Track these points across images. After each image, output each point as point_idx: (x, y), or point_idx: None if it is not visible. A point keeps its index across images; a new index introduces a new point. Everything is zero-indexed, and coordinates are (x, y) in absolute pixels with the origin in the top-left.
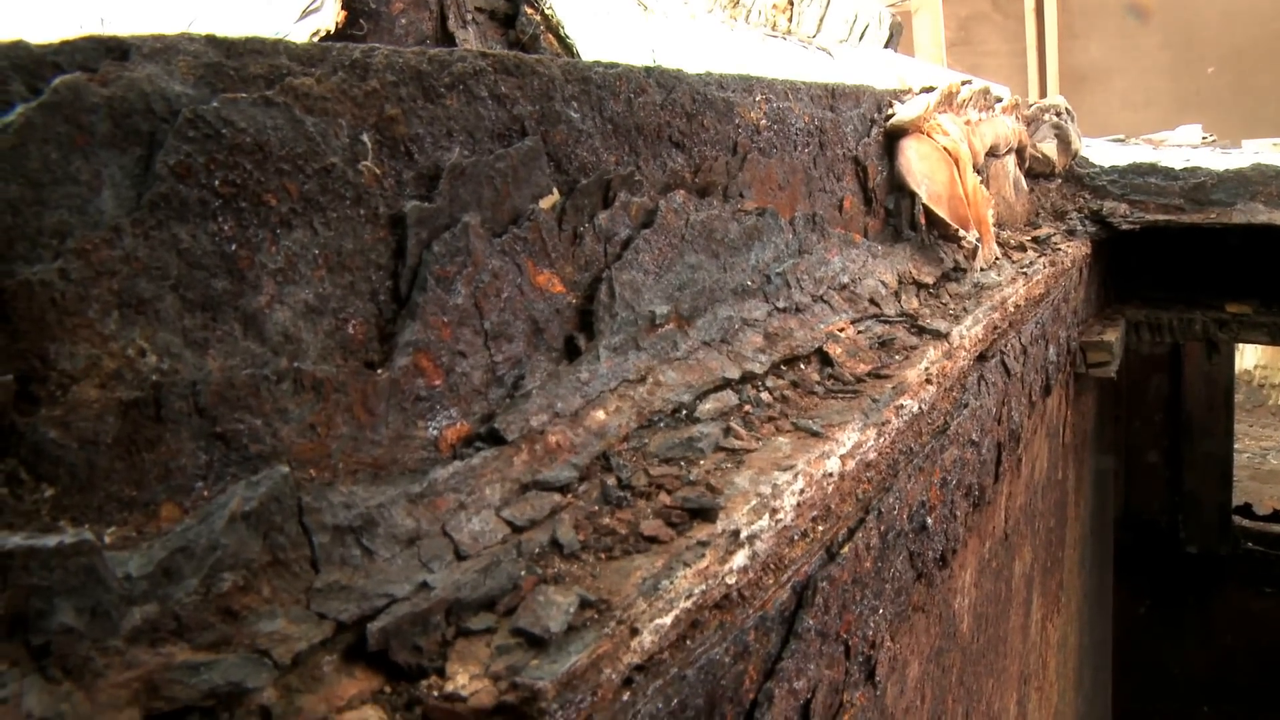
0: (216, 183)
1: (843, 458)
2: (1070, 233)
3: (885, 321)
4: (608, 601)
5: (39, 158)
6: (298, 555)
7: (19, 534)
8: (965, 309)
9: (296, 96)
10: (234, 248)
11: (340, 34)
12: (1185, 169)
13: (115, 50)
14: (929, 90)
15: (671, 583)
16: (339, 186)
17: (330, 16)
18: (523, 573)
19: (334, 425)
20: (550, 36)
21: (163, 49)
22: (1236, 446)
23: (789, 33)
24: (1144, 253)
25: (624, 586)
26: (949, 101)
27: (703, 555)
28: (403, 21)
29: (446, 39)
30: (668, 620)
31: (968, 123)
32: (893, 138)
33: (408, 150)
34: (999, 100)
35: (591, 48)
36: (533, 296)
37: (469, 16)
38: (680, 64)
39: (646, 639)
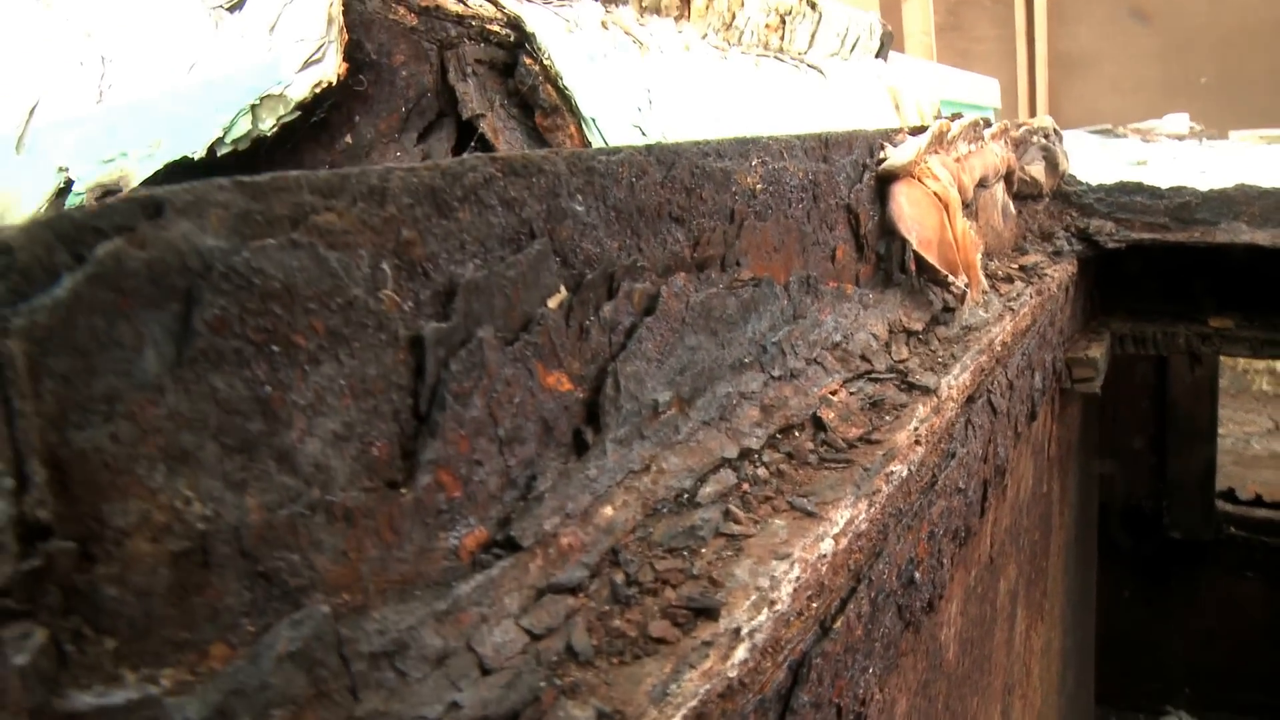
0: (249, 331)
1: (836, 537)
2: (1057, 253)
3: (875, 380)
4: (621, 713)
5: (87, 327)
6: (338, 685)
7: (88, 693)
8: (954, 355)
9: (320, 234)
10: (267, 390)
11: (342, 86)
12: (1171, 188)
13: (150, 208)
14: (919, 131)
15: (679, 686)
16: (362, 317)
17: (332, 68)
18: (542, 684)
19: (364, 550)
20: (549, 87)
21: (194, 202)
22: (1220, 432)
23: (781, 50)
24: (1129, 264)
25: (636, 695)
26: (940, 141)
27: (707, 656)
28: (403, 74)
29: (447, 91)
30: (649, 709)
31: (958, 159)
32: (884, 182)
33: (424, 270)
34: (988, 127)
35: (589, 94)
36: (543, 397)
37: (469, 69)
38: (675, 103)
39: None
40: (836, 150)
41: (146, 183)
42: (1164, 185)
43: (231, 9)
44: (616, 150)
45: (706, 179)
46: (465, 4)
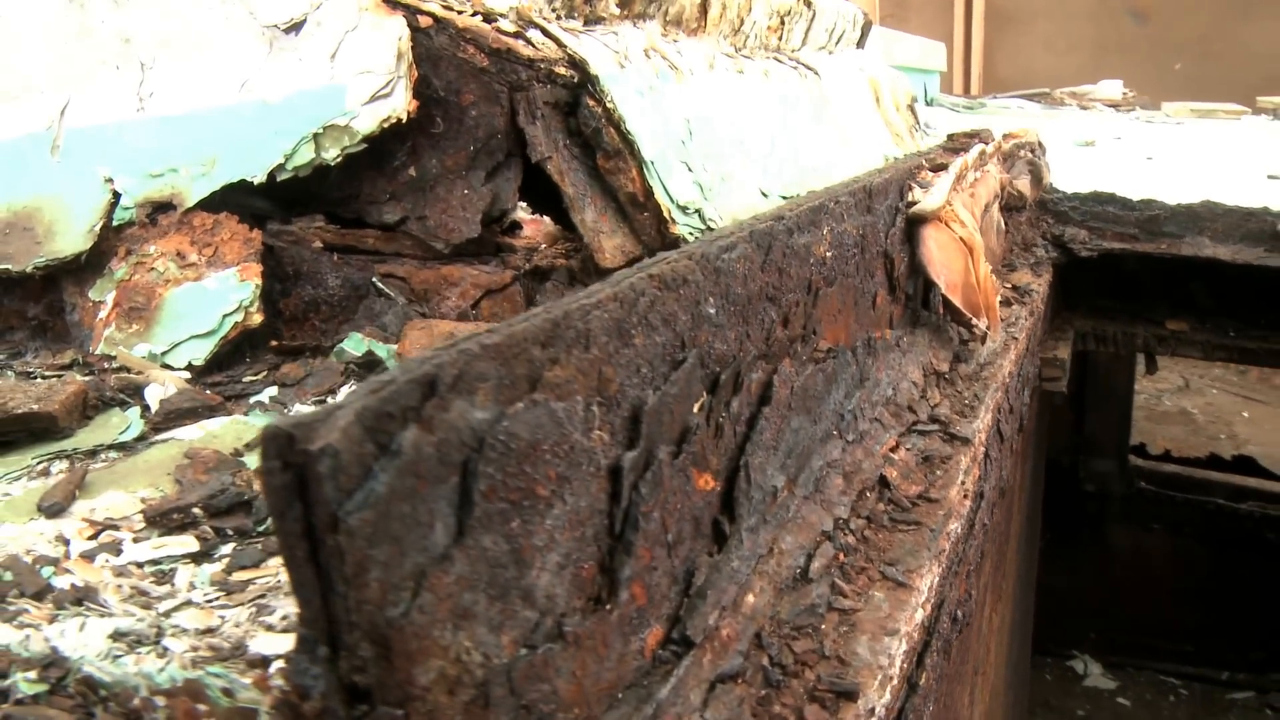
0: (509, 492)
1: (923, 604)
2: (1037, 264)
3: (922, 433)
4: None
5: (398, 515)
6: None
7: None
8: (977, 396)
9: (550, 389)
10: (519, 541)
11: (412, 124)
12: (1141, 201)
13: (426, 385)
14: (939, 168)
15: None
16: (579, 457)
17: (402, 104)
18: None
19: (586, 667)
20: (612, 130)
21: (461, 376)
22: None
23: (779, 50)
24: (1093, 265)
25: None
26: (960, 180)
27: None
28: (473, 114)
29: (516, 133)
30: None
31: (971, 193)
32: (913, 224)
33: (616, 401)
34: (985, 146)
35: (645, 134)
36: (695, 499)
37: (538, 111)
38: (708, 131)
39: None
40: (878, 199)
41: (203, 204)
42: (1135, 198)
43: (288, 30)
44: (730, 245)
45: (793, 257)
46: (534, 46)
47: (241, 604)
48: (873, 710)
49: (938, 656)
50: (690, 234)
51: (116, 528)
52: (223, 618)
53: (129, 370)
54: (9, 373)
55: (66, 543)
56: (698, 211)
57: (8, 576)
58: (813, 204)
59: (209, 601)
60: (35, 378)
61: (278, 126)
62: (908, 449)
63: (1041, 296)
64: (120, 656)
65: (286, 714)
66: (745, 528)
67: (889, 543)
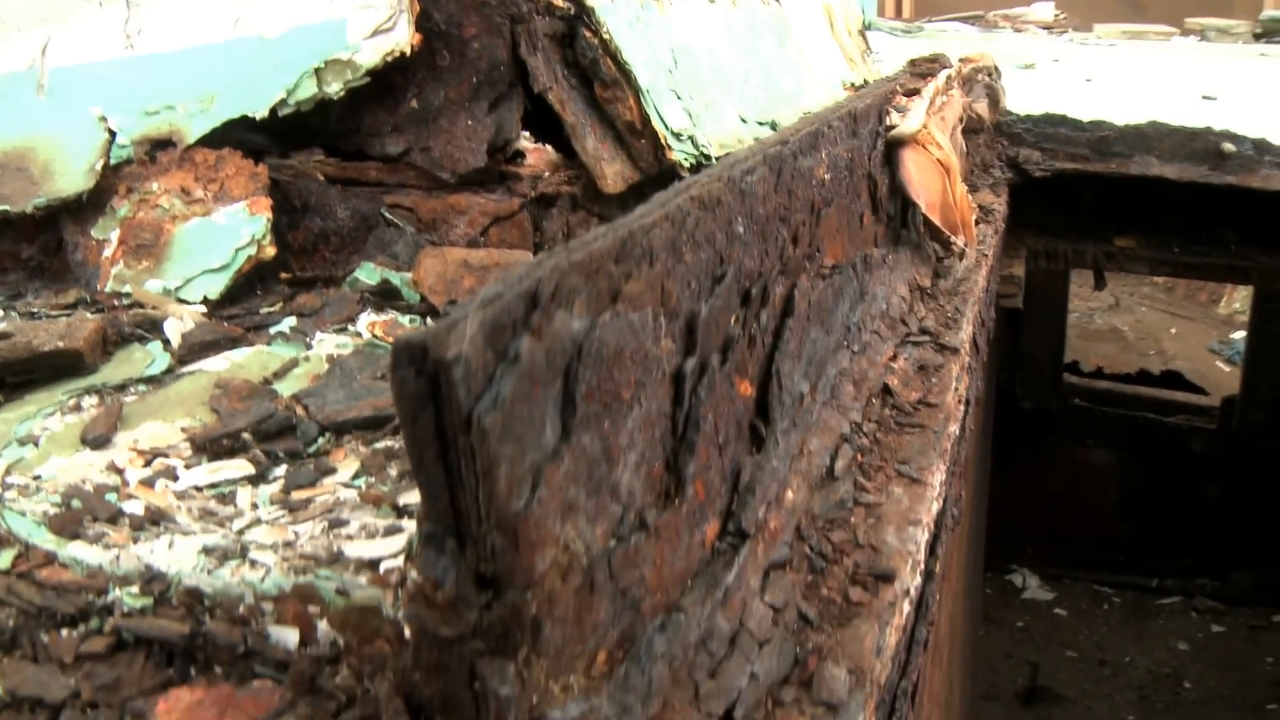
0: (603, 395)
1: (936, 498)
2: (995, 184)
3: (916, 344)
4: (860, 668)
5: (519, 416)
6: (683, 673)
7: (556, 708)
8: (958, 309)
9: (627, 301)
10: (608, 440)
11: (414, 57)
12: (1091, 122)
13: (529, 298)
14: (912, 93)
15: (885, 640)
16: (651, 365)
17: (405, 37)
18: (797, 649)
19: (664, 556)
20: (609, 60)
21: (558, 290)
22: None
23: None
24: (1043, 185)
25: (863, 652)
26: (932, 105)
27: (894, 612)
28: (475, 46)
29: (518, 64)
30: (888, 668)
31: (941, 116)
32: (892, 147)
33: (675, 314)
34: (949, 71)
35: (639, 64)
36: (738, 404)
37: (539, 43)
38: (690, 59)
39: (882, 688)
40: (862, 123)
41: (204, 140)
42: (1085, 119)
43: None
44: (751, 169)
45: (800, 179)
46: None
47: (310, 519)
48: (907, 591)
49: (945, 550)
50: (685, 159)
51: (165, 455)
52: (296, 532)
53: (143, 306)
54: (13, 314)
55: (120, 471)
56: (690, 138)
57: (76, 504)
58: (810, 128)
59: (276, 519)
60: (40, 317)
61: (277, 61)
62: (905, 359)
63: (1002, 216)
64: (214, 569)
65: (421, 603)
66: (779, 430)
67: (898, 444)
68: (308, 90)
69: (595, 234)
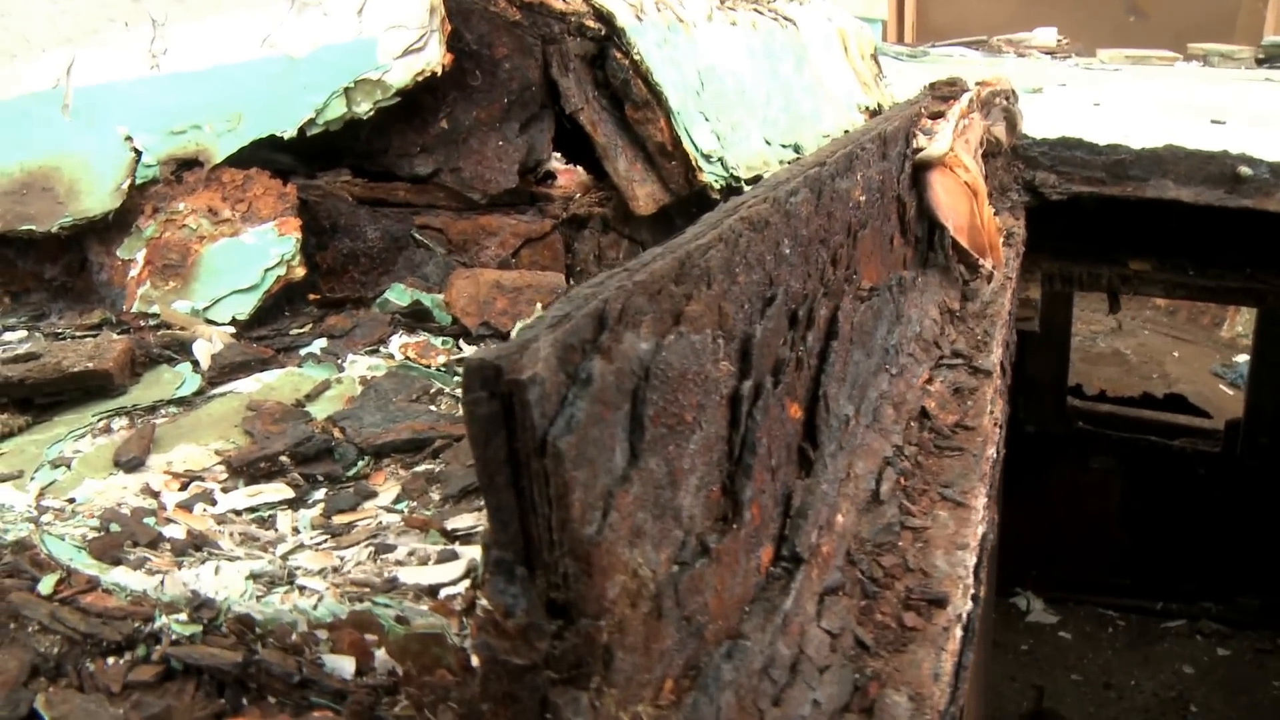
0: (667, 418)
1: (980, 521)
2: (1013, 208)
3: (949, 366)
4: (920, 695)
5: (592, 440)
6: (748, 699)
7: None
8: (987, 332)
9: (689, 322)
10: (673, 464)
11: (443, 77)
12: (1108, 145)
13: (598, 319)
14: (937, 115)
15: (941, 666)
16: (709, 386)
17: (436, 57)
18: (856, 676)
19: (724, 581)
20: (639, 82)
21: (624, 311)
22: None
23: (758, 1)
24: (1059, 208)
25: (921, 678)
26: (957, 127)
27: (949, 637)
28: (506, 67)
29: (550, 85)
30: (946, 693)
31: (965, 141)
32: (919, 169)
33: (731, 335)
34: (966, 94)
35: (666, 81)
36: (788, 426)
37: (570, 64)
38: (715, 82)
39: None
40: (892, 146)
41: (231, 160)
42: (1101, 142)
43: None
44: (794, 190)
45: (838, 200)
46: (565, 0)
47: (354, 544)
48: (959, 615)
49: (987, 573)
50: (715, 181)
51: (201, 478)
52: (341, 557)
53: (171, 327)
54: (38, 334)
55: (156, 495)
56: (720, 160)
57: (115, 528)
58: (845, 150)
59: (320, 544)
60: (65, 338)
61: (305, 81)
62: (941, 381)
63: (1022, 239)
64: (263, 595)
65: (492, 632)
66: (828, 454)
67: (939, 467)
68: (337, 110)
69: (652, 254)
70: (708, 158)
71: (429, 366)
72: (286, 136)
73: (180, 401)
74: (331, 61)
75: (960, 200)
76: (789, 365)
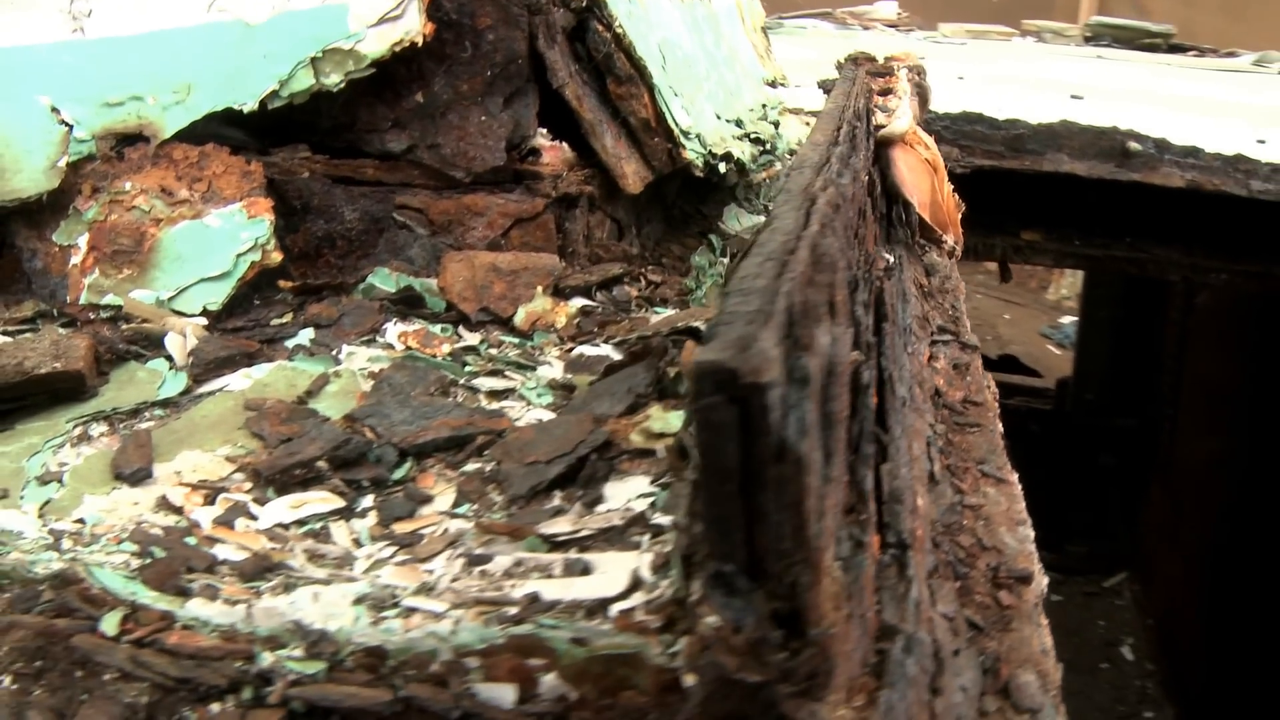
0: (835, 414)
1: (1020, 494)
2: None
3: (943, 343)
4: (1043, 671)
5: (813, 442)
6: (922, 687)
7: None
8: (954, 306)
9: (838, 313)
10: (835, 459)
11: (428, 49)
12: (1007, 120)
13: (791, 315)
14: (886, 92)
15: (1045, 641)
16: (845, 377)
17: (416, 26)
18: (982, 659)
19: (868, 574)
20: (622, 56)
21: (811, 305)
22: None
23: None
24: (959, 179)
25: (1035, 654)
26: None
27: (1039, 613)
28: (490, 38)
29: (535, 57)
30: (1059, 667)
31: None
32: (881, 147)
33: (844, 323)
34: (904, 70)
35: (647, 56)
36: (871, 411)
37: (557, 36)
38: (673, 54)
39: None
40: (860, 124)
41: (181, 134)
42: (1000, 117)
43: None
44: (840, 171)
45: (856, 180)
46: None
47: (432, 555)
48: (1042, 590)
49: None
50: (696, 159)
51: (223, 489)
52: (430, 571)
53: (132, 320)
54: None
55: (178, 510)
56: (698, 136)
57: (159, 552)
58: (844, 128)
59: (396, 558)
60: None
61: (265, 50)
62: (943, 358)
63: None
64: (377, 622)
65: (721, 649)
66: (896, 436)
67: (967, 444)
68: (303, 82)
69: (771, 242)
70: (686, 134)
71: (434, 357)
72: (246, 110)
73: (165, 403)
74: (293, 29)
75: (922, 177)
76: (867, 348)
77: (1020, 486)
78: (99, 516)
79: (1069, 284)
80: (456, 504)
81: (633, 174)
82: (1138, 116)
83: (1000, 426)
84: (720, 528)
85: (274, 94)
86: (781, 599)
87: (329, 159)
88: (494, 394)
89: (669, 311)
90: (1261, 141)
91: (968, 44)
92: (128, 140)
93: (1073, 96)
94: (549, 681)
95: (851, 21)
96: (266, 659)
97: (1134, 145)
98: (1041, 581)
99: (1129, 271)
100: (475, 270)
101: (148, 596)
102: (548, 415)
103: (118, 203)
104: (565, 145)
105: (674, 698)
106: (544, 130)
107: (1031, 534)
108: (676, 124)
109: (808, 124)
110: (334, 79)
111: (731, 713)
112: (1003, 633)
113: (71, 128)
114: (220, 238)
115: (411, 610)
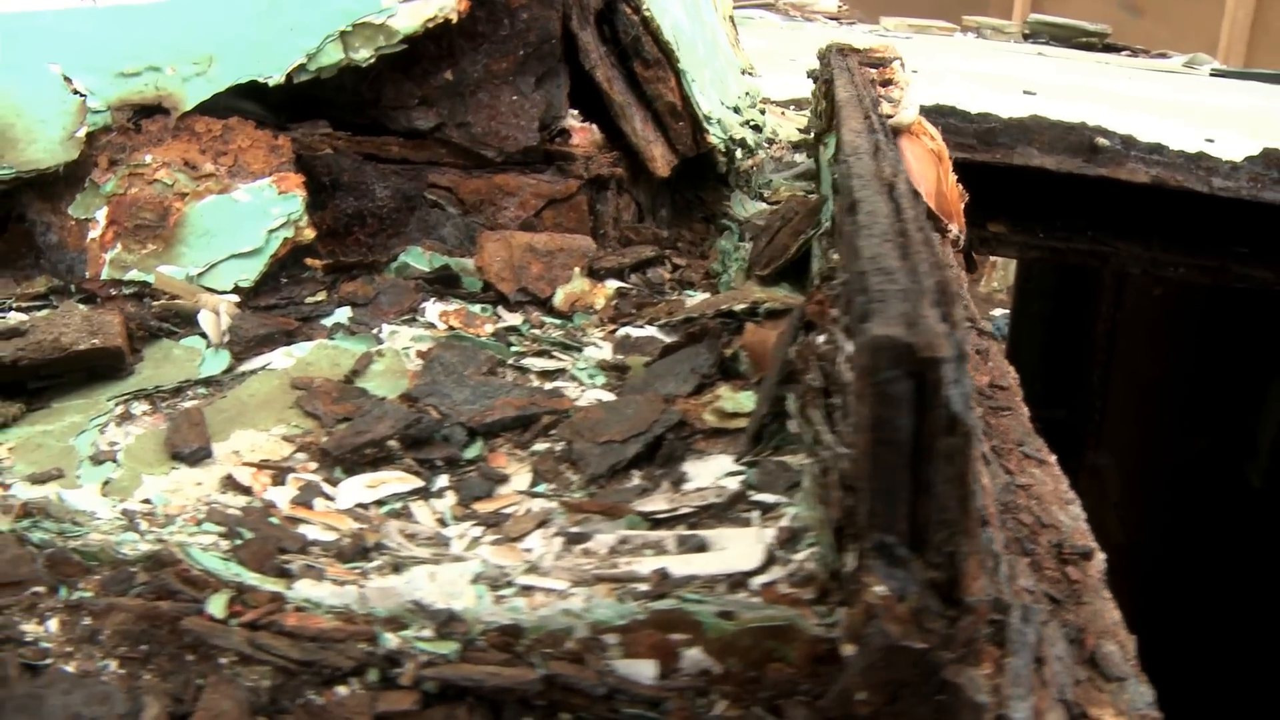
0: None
1: (1060, 474)
2: None
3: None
4: (1121, 643)
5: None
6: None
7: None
8: (963, 295)
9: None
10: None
11: (459, 26)
12: (979, 114)
13: (944, 291)
14: (888, 82)
15: (1115, 613)
16: None
17: (451, 2)
18: (1065, 629)
19: None
20: (650, 39)
21: (941, 284)
22: None
23: None
24: None
25: (1110, 626)
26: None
27: (1104, 586)
28: (524, 17)
29: (569, 37)
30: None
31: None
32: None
33: None
34: (895, 61)
35: (674, 40)
36: None
37: (589, 17)
38: (681, 31)
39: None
40: (872, 114)
41: (203, 107)
42: (973, 110)
43: None
44: (896, 159)
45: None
46: None
47: (523, 534)
48: (1103, 564)
49: None
50: (720, 144)
51: (289, 469)
52: (529, 550)
53: (157, 297)
54: None
55: (246, 490)
56: (719, 121)
57: (247, 533)
58: (870, 118)
59: (487, 538)
60: (4, 311)
61: (291, 21)
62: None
63: None
64: (503, 600)
65: (886, 618)
66: None
67: (1004, 426)
68: (332, 56)
69: (875, 224)
70: (707, 118)
71: (478, 337)
72: (272, 83)
73: (207, 382)
74: (322, 1)
75: (928, 166)
76: None
77: (1056, 467)
78: (164, 497)
79: (1000, 277)
80: (534, 483)
81: (660, 157)
82: (1089, 114)
83: (1027, 410)
84: (886, 499)
85: (301, 68)
86: (937, 568)
87: (350, 135)
88: (545, 374)
89: (700, 294)
90: (1210, 140)
91: (912, 38)
92: (145, 112)
93: (1025, 92)
94: (692, 656)
95: (794, 13)
96: (391, 640)
97: (1102, 141)
98: (1100, 557)
99: (1091, 264)
100: (513, 250)
101: (253, 578)
102: (605, 396)
103: (138, 176)
104: (595, 127)
105: (826, 668)
106: (574, 111)
107: (1083, 512)
108: (700, 108)
109: (784, 113)
110: (364, 54)
111: (891, 680)
112: (1077, 605)
113: (85, 98)
114: (250, 213)
115: (528, 589)
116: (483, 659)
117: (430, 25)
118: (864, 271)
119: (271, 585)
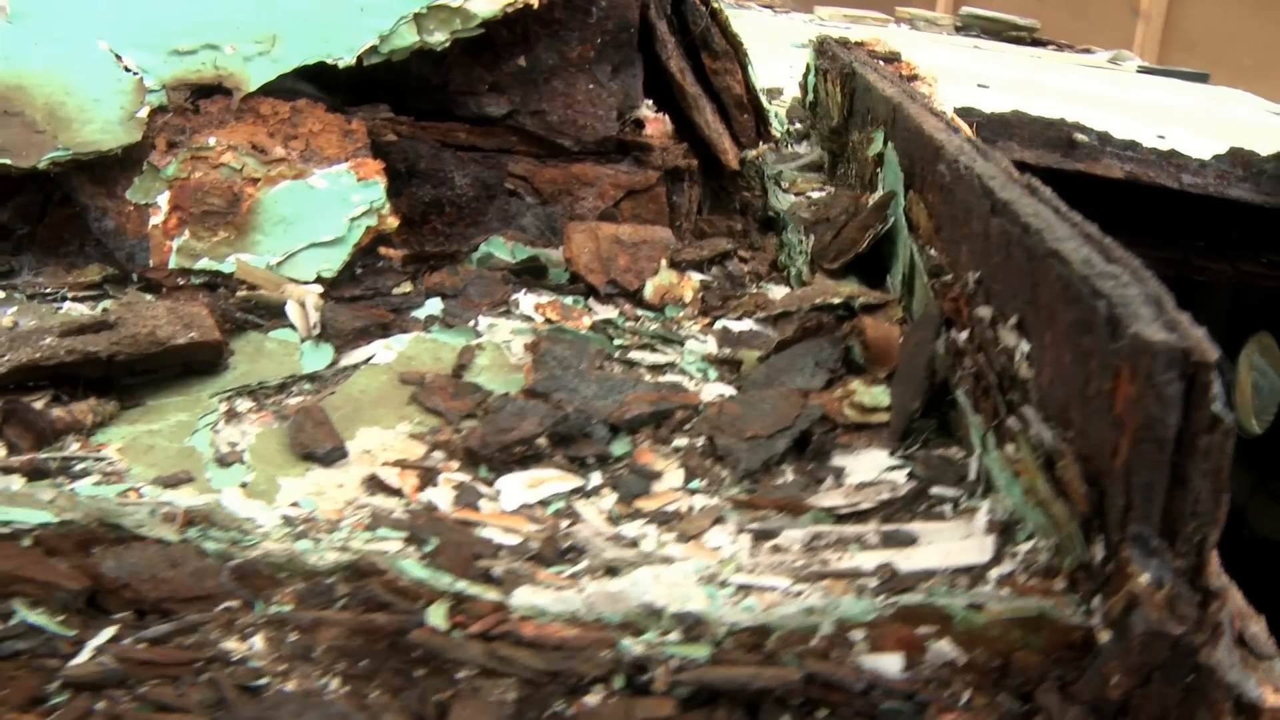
0: None
1: None
2: None
3: None
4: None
5: None
6: None
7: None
8: None
9: None
10: None
11: (535, 12)
12: (961, 108)
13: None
14: (914, 78)
15: (1237, 595)
16: None
17: None
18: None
19: None
20: (718, 31)
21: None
22: None
23: None
24: None
25: (1241, 606)
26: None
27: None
28: (603, 4)
29: (646, 27)
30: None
31: None
32: None
33: None
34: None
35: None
36: None
37: (666, 8)
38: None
39: None
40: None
41: (266, 88)
42: (957, 105)
43: None
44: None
45: None
46: None
47: (701, 531)
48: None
49: None
50: (778, 135)
51: (434, 469)
52: (716, 548)
53: (235, 287)
54: (15, 296)
55: (396, 492)
56: (776, 115)
57: (435, 540)
58: (931, 115)
59: (666, 537)
60: (60, 300)
61: (363, 2)
62: None
63: None
64: (733, 602)
65: (1147, 605)
66: None
67: None
68: (406, 38)
69: (1055, 226)
70: (769, 111)
71: (577, 329)
72: (342, 65)
73: (311, 377)
74: None
75: None
76: None
77: None
78: (311, 500)
79: None
80: (686, 479)
81: (730, 149)
82: (1044, 109)
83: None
84: (1145, 492)
85: (373, 50)
86: (1184, 556)
87: (414, 120)
88: (655, 368)
89: (775, 287)
90: (1161, 137)
91: (851, 28)
92: (203, 91)
93: (979, 85)
94: (938, 648)
95: (730, 1)
96: (634, 646)
97: (1080, 136)
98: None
99: None
100: (600, 241)
101: (470, 588)
102: (726, 390)
103: (201, 159)
104: (666, 118)
105: (1075, 654)
106: (649, 101)
107: None
108: (763, 101)
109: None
110: (438, 37)
111: (1145, 663)
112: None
113: (141, 76)
114: (328, 200)
115: (746, 588)
116: (734, 660)
117: (509, 10)
118: (1086, 276)
119: (493, 594)
